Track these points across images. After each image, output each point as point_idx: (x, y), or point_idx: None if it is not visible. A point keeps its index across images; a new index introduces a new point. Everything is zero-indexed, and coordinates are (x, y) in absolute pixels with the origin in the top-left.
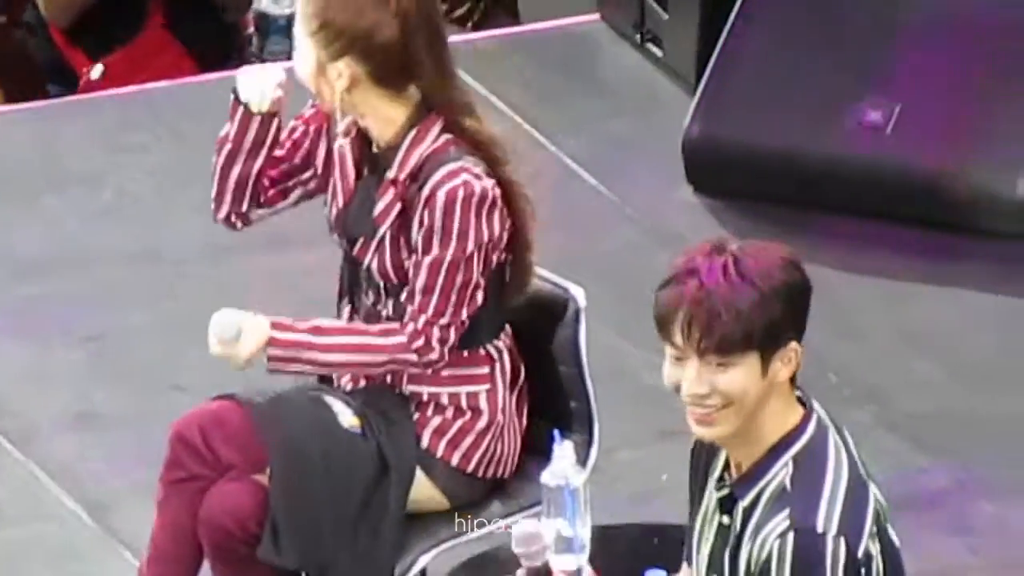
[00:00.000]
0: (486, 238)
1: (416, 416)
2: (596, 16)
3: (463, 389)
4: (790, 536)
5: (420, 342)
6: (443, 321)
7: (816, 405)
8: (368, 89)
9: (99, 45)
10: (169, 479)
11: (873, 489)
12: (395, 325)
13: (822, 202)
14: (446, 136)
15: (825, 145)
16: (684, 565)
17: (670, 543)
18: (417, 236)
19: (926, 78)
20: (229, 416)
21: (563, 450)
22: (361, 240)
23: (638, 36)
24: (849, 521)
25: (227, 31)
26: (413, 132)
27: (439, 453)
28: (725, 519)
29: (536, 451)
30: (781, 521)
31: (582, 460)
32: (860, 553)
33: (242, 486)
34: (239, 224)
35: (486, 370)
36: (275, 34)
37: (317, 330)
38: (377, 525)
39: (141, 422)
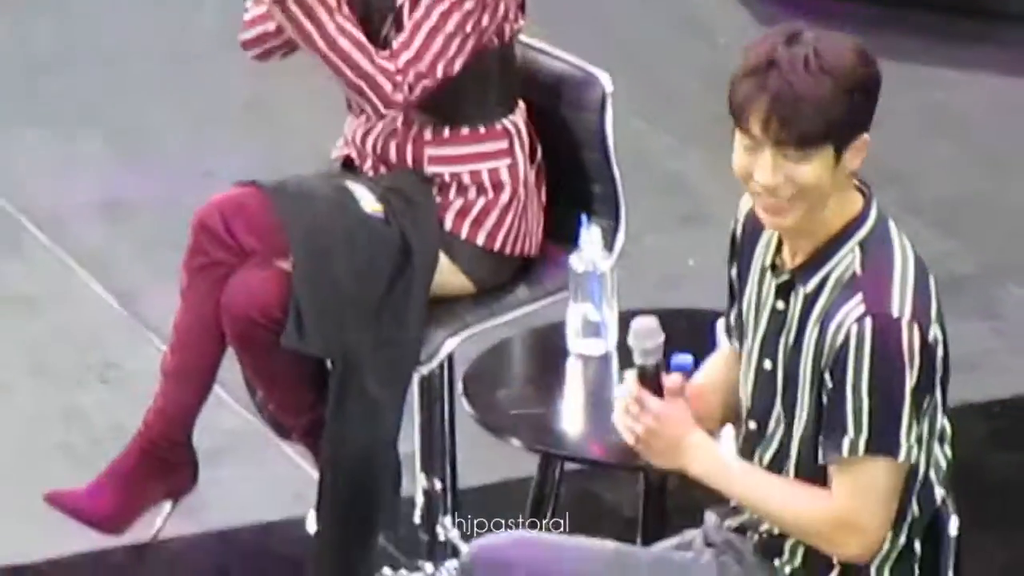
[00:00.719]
0: (476, 10)
1: (438, 199)
2: None
3: (484, 166)
4: (868, 321)
5: (397, 78)
6: (420, 67)
7: (876, 198)
8: None
9: None
10: (191, 266)
11: (932, 278)
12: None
13: None
14: None
15: None
16: (723, 346)
17: (698, 327)
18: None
19: None
20: (251, 202)
21: (590, 235)
22: (378, 16)
23: None
24: (920, 306)
25: None
26: None
27: (463, 234)
28: (780, 304)
29: (561, 236)
30: (855, 306)
31: (609, 245)
32: (930, 337)
33: (264, 273)
34: (263, 60)
35: (505, 144)
36: None
37: (338, 10)
38: (401, 310)
39: (167, 209)
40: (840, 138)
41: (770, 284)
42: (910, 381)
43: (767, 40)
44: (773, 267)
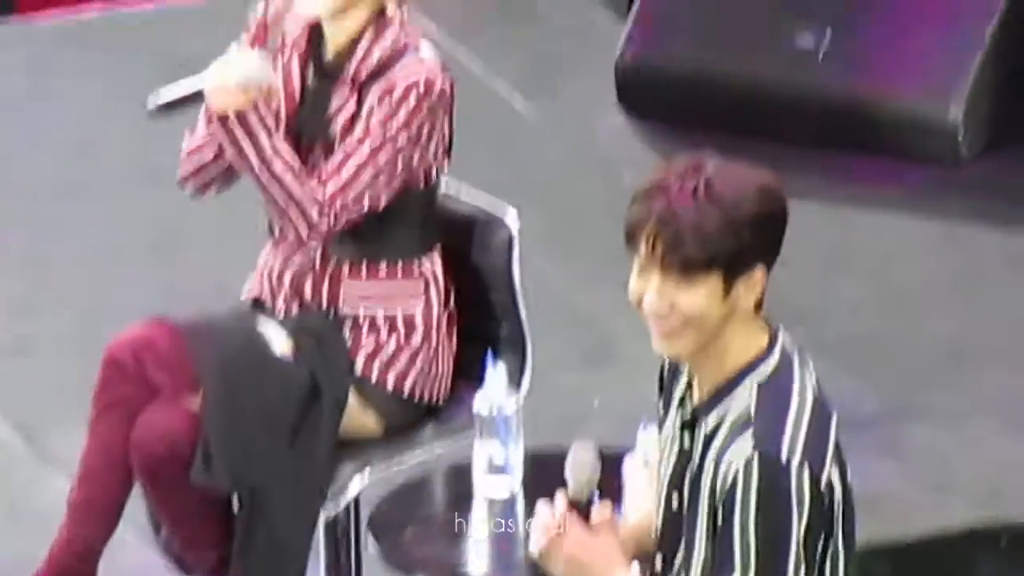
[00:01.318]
0: (425, 133)
1: (350, 341)
2: None
3: (399, 307)
4: (755, 463)
5: (324, 206)
6: (346, 199)
7: (782, 331)
8: None
9: None
10: (101, 401)
11: (835, 418)
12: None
13: (753, 127)
14: (406, 38)
15: (756, 69)
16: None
17: (602, 466)
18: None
19: (857, 3)
20: (162, 339)
21: (496, 374)
22: (309, 144)
23: None
24: (813, 449)
25: None
26: (371, 32)
27: (374, 377)
28: (685, 441)
29: (468, 376)
30: (745, 448)
31: (515, 384)
32: (823, 482)
33: (174, 409)
34: (201, 194)
35: (421, 287)
36: None
37: (275, 133)
38: (310, 449)
39: (73, 345)
40: (728, 269)
41: (677, 420)
42: (799, 524)
43: (667, 167)
44: (682, 403)
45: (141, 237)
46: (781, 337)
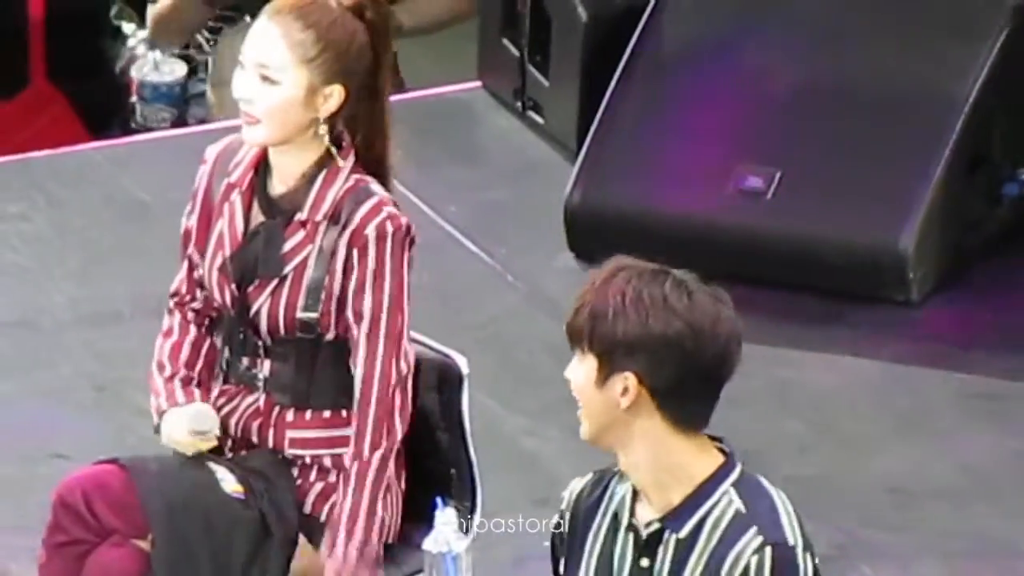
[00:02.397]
0: (407, 276)
1: (299, 481)
2: (477, 84)
3: (345, 450)
4: (768, 551)
5: (394, 385)
6: (401, 359)
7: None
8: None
9: None
10: (51, 543)
11: None
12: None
13: (702, 268)
14: (356, 175)
15: (705, 211)
16: None
17: None
18: (350, 281)
19: (807, 143)
20: (112, 480)
21: (445, 516)
22: (257, 283)
23: (519, 103)
24: (806, 537)
25: (115, 86)
26: (323, 173)
27: (323, 515)
28: (644, 561)
29: (418, 518)
30: (752, 538)
31: (464, 527)
32: (817, 565)
33: (124, 551)
34: None
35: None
36: (157, 101)
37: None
38: None
39: (21, 490)
40: (601, 354)
41: (627, 544)
42: None
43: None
44: (631, 526)
45: (85, 379)
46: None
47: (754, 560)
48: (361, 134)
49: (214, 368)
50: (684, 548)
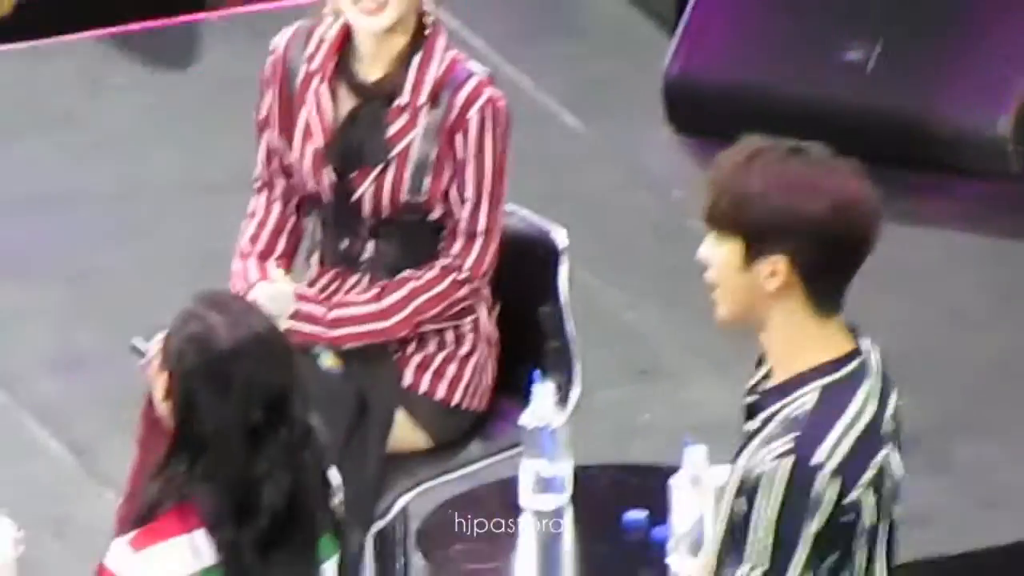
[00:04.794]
0: (508, 155)
1: (397, 355)
2: None
3: (448, 323)
4: (788, 460)
5: (482, 266)
6: (494, 245)
7: (871, 353)
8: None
9: None
10: (149, 417)
11: (888, 454)
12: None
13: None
14: (451, 53)
15: (805, 84)
16: None
17: (651, 484)
18: (454, 163)
19: (907, 16)
20: None
21: (543, 390)
22: (359, 169)
23: None
24: (851, 464)
25: None
26: (419, 54)
27: (422, 388)
28: (751, 425)
29: (515, 392)
30: (785, 443)
31: (562, 400)
32: (850, 498)
33: None
34: None
35: (470, 300)
36: None
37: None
38: (357, 467)
39: (124, 361)
40: (747, 239)
41: (744, 404)
42: (811, 526)
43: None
44: (752, 388)
45: (188, 250)
46: (866, 355)
47: (771, 466)
48: None
49: (298, 248)
50: (761, 427)
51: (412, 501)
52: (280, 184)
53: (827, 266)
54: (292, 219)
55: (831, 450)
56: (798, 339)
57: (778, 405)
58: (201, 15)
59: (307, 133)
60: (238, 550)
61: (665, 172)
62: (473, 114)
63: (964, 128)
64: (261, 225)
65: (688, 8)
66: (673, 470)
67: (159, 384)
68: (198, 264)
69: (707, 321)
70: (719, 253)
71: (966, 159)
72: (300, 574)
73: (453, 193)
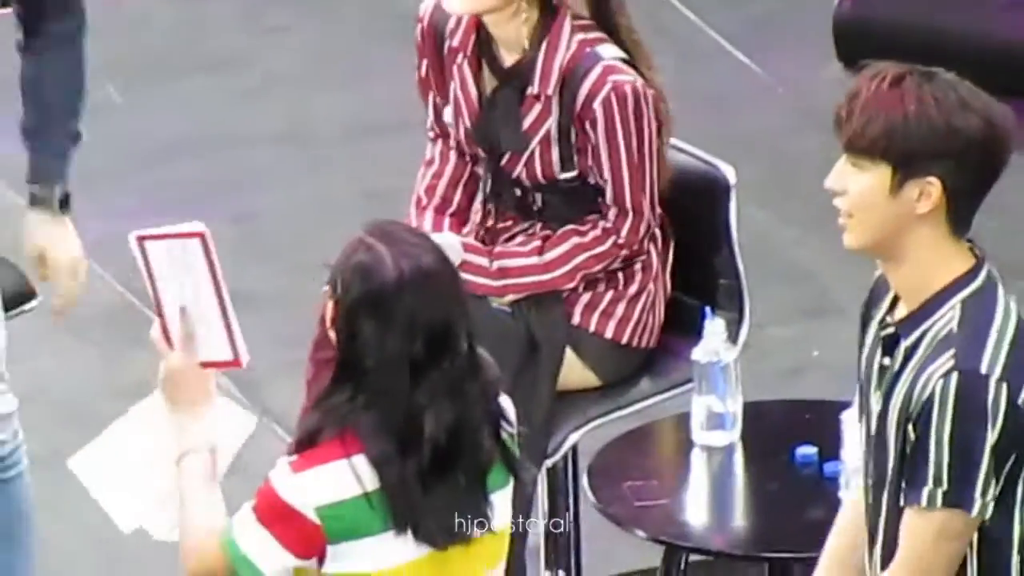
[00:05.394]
0: (653, 129)
1: (566, 293)
2: None
3: (618, 263)
4: (953, 376)
5: (637, 236)
6: (645, 220)
7: (988, 260)
8: None
9: None
10: (317, 357)
11: None
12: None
13: (973, 77)
14: (578, 37)
15: (975, 22)
16: (845, 506)
17: (822, 418)
18: (591, 152)
19: None
20: None
21: (714, 326)
22: (508, 154)
23: None
24: (1013, 367)
25: None
26: (545, 43)
27: (592, 327)
28: (886, 360)
29: (685, 329)
30: (945, 362)
31: (732, 337)
32: (1021, 399)
33: None
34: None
35: (643, 245)
36: None
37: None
38: (527, 404)
39: (290, 301)
40: (897, 164)
41: (877, 339)
42: (991, 438)
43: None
44: (882, 323)
45: (352, 189)
46: (987, 264)
47: (939, 385)
48: (590, 6)
49: (473, 200)
50: (907, 356)
51: (583, 438)
52: (453, 133)
53: (974, 185)
54: (468, 167)
55: (992, 357)
56: (934, 261)
57: (920, 330)
58: None
59: (457, 109)
60: (401, 478)
61: (832, 109)
62: (597, 105)
63: None
64: (437, 176)
65: None
66: (844, 405)
67: (328, 311)
68: (361, 202)
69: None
70: (862, 180)
71: None
72: (467, 504)
73: (596, 172)
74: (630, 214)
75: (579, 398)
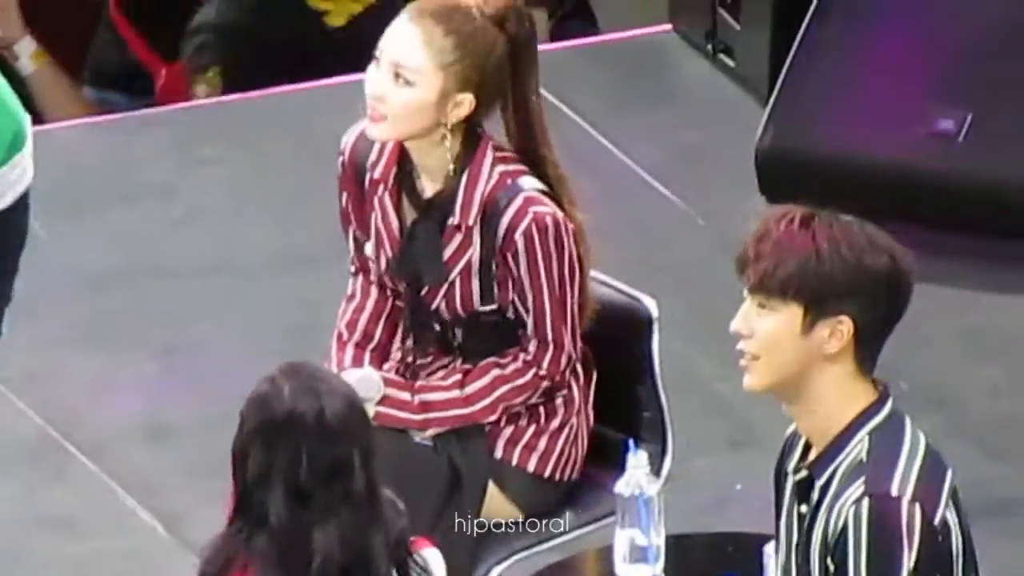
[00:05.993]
0: (575, 259)
1: (488, 427)
2: (668, 27)
3: (540, 398)
4: (865, 502)
5: (559, 368)
6: (566, 351)
7: (894, 398)
8: (461, 124)
9: (174, 45)
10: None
11: (950, 472)
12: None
13: (892, 211)
14: (499, 168)
15: (896, 154)
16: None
17: (745, 551)
18: (512, 283)
19: (999, 87)
20: None
21: (637, 459)
22: (428, 288)
23: (710, 46)
24: (924, 488)
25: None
26: (466, 174)
27: (514, 461)
28: (803, 507)
29: (608, 461)
30: (856, 489)
31: (656, 469)
32: (937, 520)
33: None
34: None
35: (565, 376)
36: None
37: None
38: (450, 539)
39: (213, 432)
40: (809, 304)
41: (794, 488)
42: (908, 561)
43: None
44: (796, 471)
45: (277, 320)
46: (893, 397)
47: (851, 512)
48: (513, 140)
49: (395, 335)
50: (821, 495)
51: (505, 572)
52: (374, 268)
53: (882, 322)
54: (390, 302)
55: (902, 479)
56: (840, 399)
57: (831, 467)
58: (296, 85)
59: (379, 241)
60: None
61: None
62: (519, 236)
63: None
64: (358, 310)
65: (781, 77)
66: (766, 539)
67: None
68: (286, 335)
69: None
70: (770, 321)
71: None
72: None
73: (520, 306)
74: (551, 346)
75: (501, 532)
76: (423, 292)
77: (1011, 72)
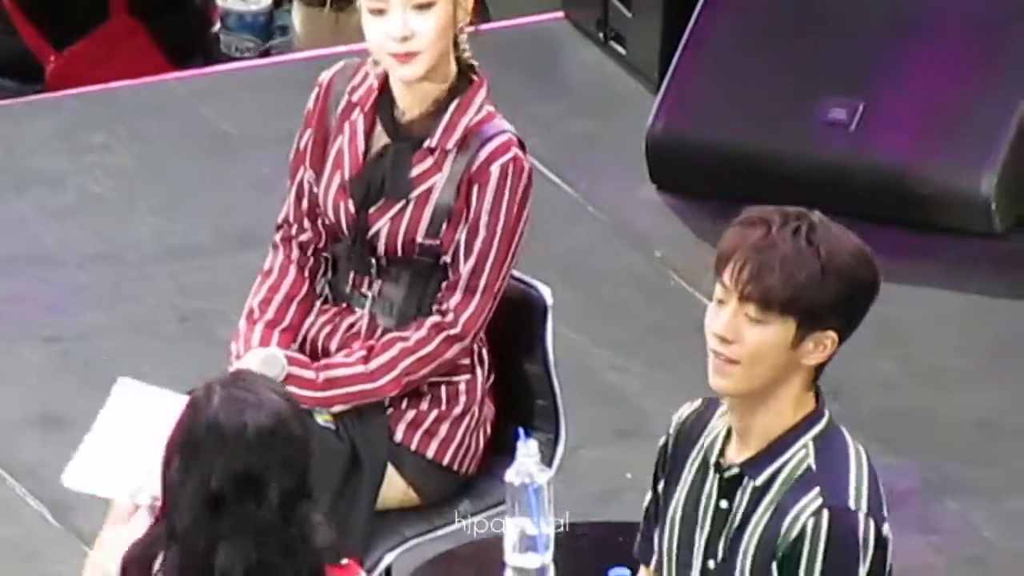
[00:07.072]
0: (527, 216)
1: (390, 410)
2: (560, 15)
3: (443, 379)
4: (824, 514)
5: (475, 323)
6: (489, 306)
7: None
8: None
9: (64, 33)
10: None
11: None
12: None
13: (785, 200)
14: (488, 107)
15: (788, 143)
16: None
17: (634, 540)
18: (465, 210)
19: (891, 75)
20: None
21: (527, 448)
22: (379, 204)
23: (602, 34)
24: (874, 502)
25: (196, 21)
26: (456, 101)
27: (413, 445)
28: (724, 503)
29: (503, 450)
30: (812, 500)
31: (548, 458)
32: (885, 532)
33: None
34: None
35: (467, 360)
36: (242, 31)
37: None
38: (346, 521)
39: None
40: (804, 319)
41: (713, 483)
42: (861, 572)
43: (773, 208)
44: (717, 466)
45: (166, 309)
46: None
47: (810, 523)
48: None
49: (305, 319)
50: (757, 496)
51: (398, 558)
52: (302, 236)
53: (851, 332)
54: (305, 286)
55: (856, 493)
56: (791, 404)
57: (769, 471)
58: (184, 72)
59: (337, 162)
60: None
61: (648, 230)
62: (495, 168)
63: (947, 187)
64: (273, 290)
65: (672, 66)
66: None
67: None
68: (178, 325)
69: (689, 379)
70: (762, 332)
71: (949, 218)
72: None
73: (462, 244)
74: (477, 295)
75: (396, 518)
76: (371, 210)
77: (902, 60)
